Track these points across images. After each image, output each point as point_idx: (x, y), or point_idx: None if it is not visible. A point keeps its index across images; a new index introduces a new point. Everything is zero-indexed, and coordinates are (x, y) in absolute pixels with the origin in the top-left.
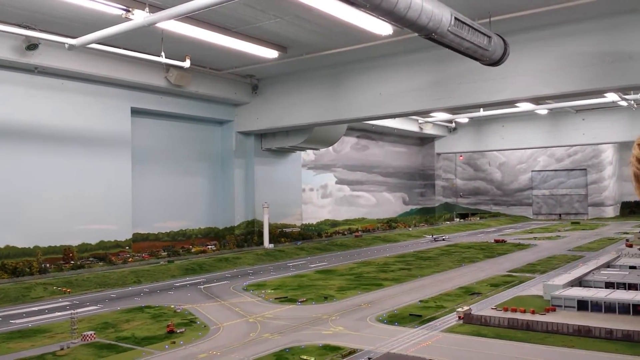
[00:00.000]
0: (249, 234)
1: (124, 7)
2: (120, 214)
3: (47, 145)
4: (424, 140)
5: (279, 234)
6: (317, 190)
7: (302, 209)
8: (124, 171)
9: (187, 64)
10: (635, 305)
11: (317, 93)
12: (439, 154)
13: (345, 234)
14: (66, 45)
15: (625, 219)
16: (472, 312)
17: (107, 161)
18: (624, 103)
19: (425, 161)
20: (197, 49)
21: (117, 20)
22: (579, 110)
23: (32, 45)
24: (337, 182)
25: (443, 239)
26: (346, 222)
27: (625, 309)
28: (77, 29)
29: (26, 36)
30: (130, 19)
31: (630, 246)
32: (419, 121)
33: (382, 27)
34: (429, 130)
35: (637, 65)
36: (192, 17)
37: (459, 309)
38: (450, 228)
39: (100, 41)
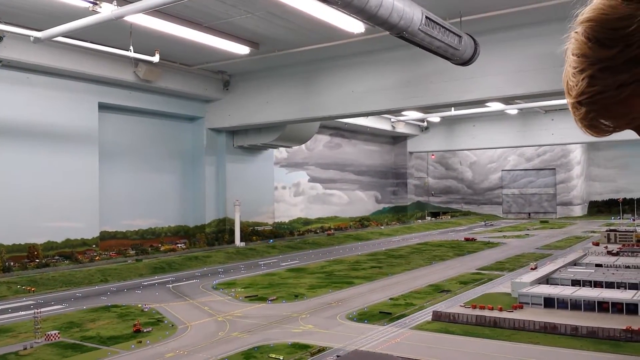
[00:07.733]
0: (220, 232)
1: (91, 0)
2: (87, 211)
3: (11, 140)
4: (396, 139)
5: (251, 232)
6: (289, 188)
7: (274, 207)
8: (91, 168)
9: (156, 58)
10: (600, 303)
11: (290, 90)
12: (411, 153)
13: (317, 232)
14: (31, 38)
15: (592, 218)
16: (537, 266)
17: (74, 157)
18: None
19: (398, 160)
20: (166, 44)
21: (84, 13)
22: (548, 110)
23: None
24: (309, 180)
25: (491, 225)
26: (319, 220)
27: (590, 306)
28: (43, 21)
29: None
30: (98, 12)
31: (597, 245)
32: (392, 120)
33: (354, 25)
34: (401, 129)
35: None
36: (161, 11)
37: (532, 263)
38: (421, 226)
39: (66, 34)
